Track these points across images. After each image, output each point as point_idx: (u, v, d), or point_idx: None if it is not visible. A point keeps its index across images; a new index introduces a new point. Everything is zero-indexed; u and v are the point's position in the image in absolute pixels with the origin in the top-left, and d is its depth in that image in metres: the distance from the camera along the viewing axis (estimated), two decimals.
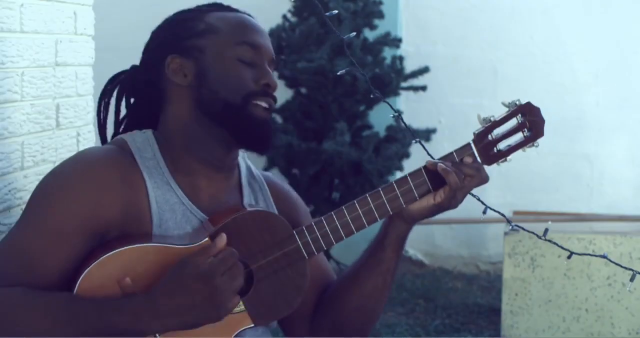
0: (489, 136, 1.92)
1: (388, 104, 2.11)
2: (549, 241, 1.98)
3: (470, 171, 1.91)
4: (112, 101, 2.04)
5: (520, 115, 1.93)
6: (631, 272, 1.97)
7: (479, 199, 2.01)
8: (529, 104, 1.91)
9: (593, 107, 6.01)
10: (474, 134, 1.92)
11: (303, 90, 5.39)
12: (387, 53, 5.44)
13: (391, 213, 1.90)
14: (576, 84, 6.00)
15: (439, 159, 1.93)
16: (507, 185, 5.89)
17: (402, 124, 2.09)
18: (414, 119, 5.80)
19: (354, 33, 2.17)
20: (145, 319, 1.71)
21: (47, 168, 2.54)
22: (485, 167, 1.95)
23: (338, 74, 2.10)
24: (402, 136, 5.33)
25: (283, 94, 5.53)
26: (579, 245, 4.32)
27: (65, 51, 2.62)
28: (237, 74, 1.87)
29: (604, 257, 1.98)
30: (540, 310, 4.41)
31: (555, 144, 6.01)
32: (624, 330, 4.34)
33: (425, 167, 1.91)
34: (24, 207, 2.40)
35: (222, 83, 1.87)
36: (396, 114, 2.08)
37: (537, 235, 1.96)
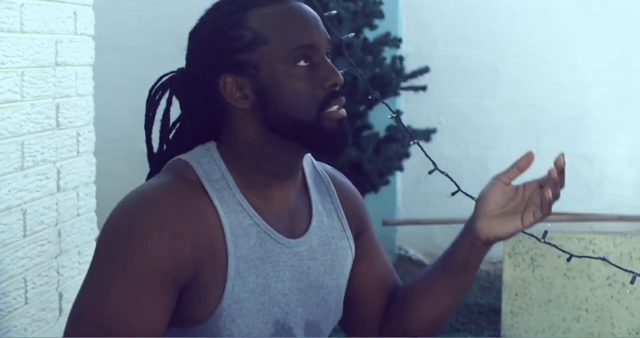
0: None
1: (386, 105, 2.10)
2: (548, 243, 1.97)
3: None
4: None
5: None
6: (632, 273, 1.97)
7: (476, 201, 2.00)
8: None
9: (593, 107, 6.01)
10: None
11: None
12: (387, 53, 5.44)
13: None
14: (576, 84, 6.00)
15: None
16: None
17: (401, 125, 2.09)
18: (414, 119, 5.80)
19: (352, 34, 2.16)
20: None
21: (47, 168, 2.54)
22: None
23: None
24: (402, 136, 5.32)
25: None
26: (579, 245, 4.32)
27: (65, 51, 2.62)
28: (302, 89, 1.75)
29: (603, 259, 1.97)
30: (540, 310, 4.40)
31: (555, 144, 6.01)
32: (624, 330, 4.34)
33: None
34: (24, 206, 2.41)
35: (289, 103, 1.75)
36: (394, 115, 2.08)
37: (537, 238, 1.95)
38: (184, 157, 1.80)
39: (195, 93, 1.82)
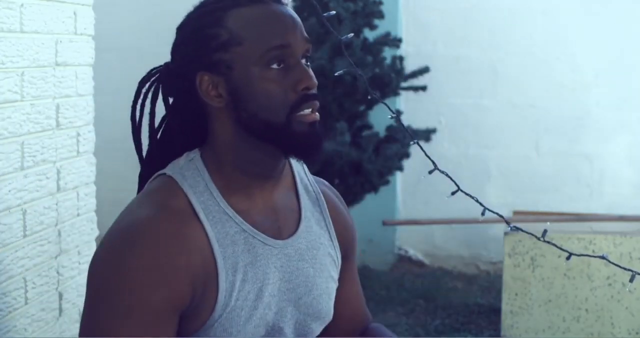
0: None
1: (386, 105, 2.10)
2: (548, 242, 1.98)
3: None
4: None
5: None
6: (630, 271, 1.97)
7: (477, 201, 2.01)
8: None
9: (593, 107, 6.01)
10: None
11: None
12: (387, 53, 5.44)
13: None
14: (576, 84, 6.00)
15: None
16: (507, 185, 5.89)
17: (401, 125, 2.08)
18: (414, 119, 5.80)
19: (352, 34, 2.15)
20: None
21: (47, 168, 2.54)
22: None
23: (336, 74, 2.04)
24: (402, 136, 5.33)
25: None
26: (579, 245, 4.32)
27: (65, 51, 2.62)
28: (273, 91, 1.75)
29: (603, 257, 1.98)
30: (540, 310, 4.41)
31: (555, 144, 6.01)
32: (624, 330, 4.34)
33: None
34: (24, 206, 2.41)
35: (260, 104, 1.75)
36: (394, 115, 2.08)
37: (536, 237, 1.96)
38: (168, 171, 1.81)
39: (177, 87, 1.83)
